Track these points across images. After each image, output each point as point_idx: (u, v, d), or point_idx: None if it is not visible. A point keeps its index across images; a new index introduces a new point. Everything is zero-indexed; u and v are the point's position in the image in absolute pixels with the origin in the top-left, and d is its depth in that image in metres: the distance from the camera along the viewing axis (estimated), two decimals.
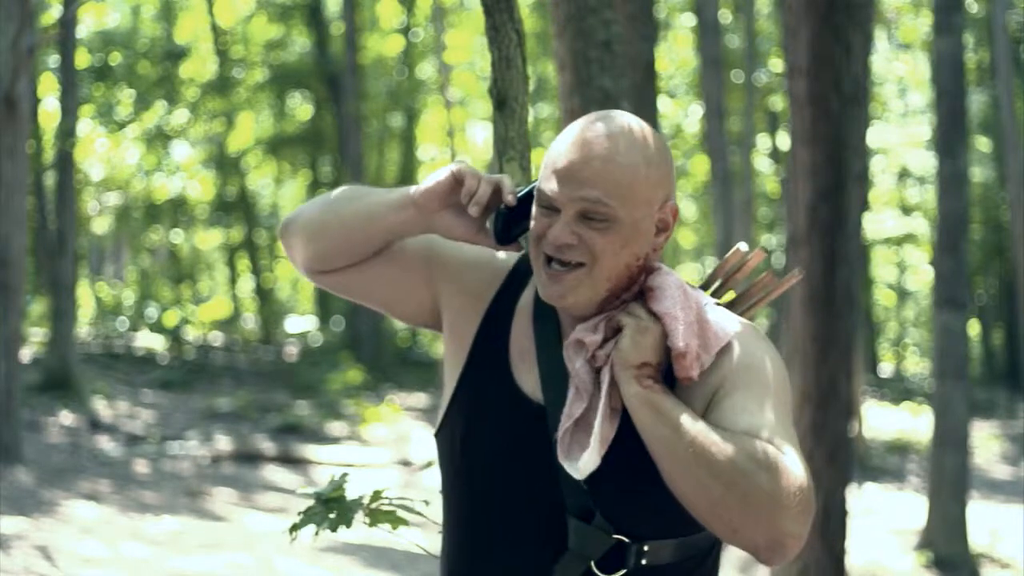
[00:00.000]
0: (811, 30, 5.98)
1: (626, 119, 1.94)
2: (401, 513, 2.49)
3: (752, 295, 2.13)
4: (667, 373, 1.91)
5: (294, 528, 2.42)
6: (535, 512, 1.94)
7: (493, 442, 1.98)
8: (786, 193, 6.47)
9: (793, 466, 1.78)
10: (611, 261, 1.90)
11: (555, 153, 1.93)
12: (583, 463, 1.87)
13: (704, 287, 2.13)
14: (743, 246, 2.15)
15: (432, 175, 2.02)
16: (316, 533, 2.45)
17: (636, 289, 1.96)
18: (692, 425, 1.81)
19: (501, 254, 2.11)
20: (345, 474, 2.49)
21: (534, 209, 1.95)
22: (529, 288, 2.06)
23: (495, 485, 1.97)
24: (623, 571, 1.90)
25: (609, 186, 1.88)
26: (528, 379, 1.99)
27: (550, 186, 1.91)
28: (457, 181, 2.00)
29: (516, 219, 2.00)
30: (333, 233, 2.07)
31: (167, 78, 23.12)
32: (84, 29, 20.16)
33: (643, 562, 1.90)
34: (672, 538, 1.93)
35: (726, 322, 1.95)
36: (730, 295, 2.14)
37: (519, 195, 2.00)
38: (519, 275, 2.08)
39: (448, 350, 2.09)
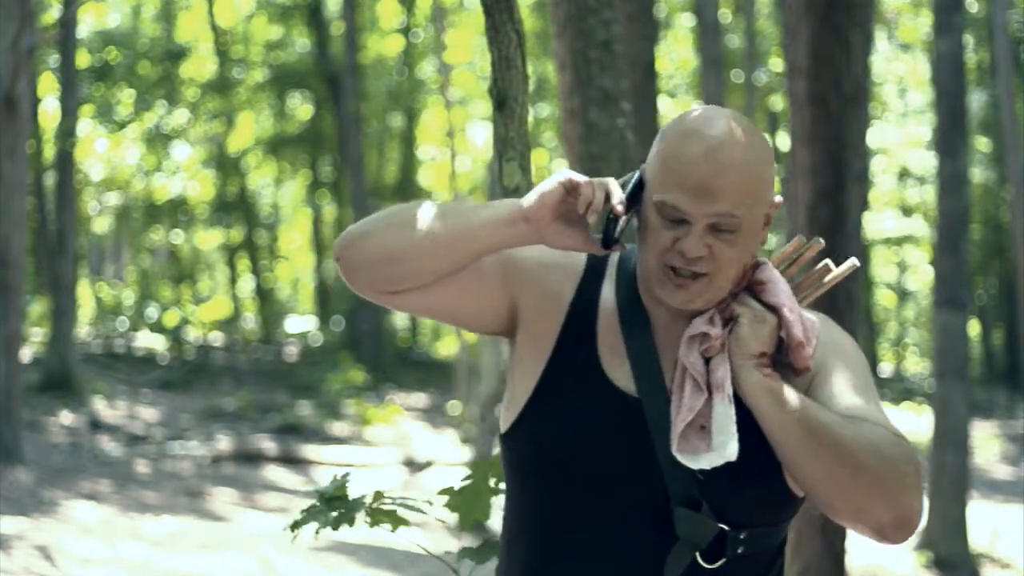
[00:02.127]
0: (811, 30, 5.98)
1: (735, 120, 1.94)
2: (402, 513, 2.48)
3: (807, 285, 2.15)
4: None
5: (295, 525, 2.41)
6: (633, 505, 1.95)
7: (585, 437, 1.97)
8: (786, 193, 6.48)
9: (906, 444, 1.86)
10: (736, 267, 1.94)
11: (678, 163, 1.91)
12: (729, 451, 1.89)
13: None
14: (801, 237, 2.16)
15: (539, 187, 1.97)
16: (317, 532, 2.45)
17: (745, 283, 1.99)
18: (815, 411, 1.87)
19: (568, 253, 2.09)
20: (347, 474, 2.49)
21: (653, 218, 1.93)
22: (608, 282, 2.06)
23: (588, 479, 1.96)
24: (723, 560, 1.93)
25: (740, 197, 1.89)
26: (619, 373, 1.99)
27: (680, 200, 1.89)
28: (568, 191, 1.95)
29: (616, 220, 1.98)
30: (421, 254, 1.97)
31: (167, 78, 23.13)
32: (84, 29, 20.17)
33: (740, 550, 1.94)
34: (766, 526, 1.97)
35: (808, 313, 2.02)
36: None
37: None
38: (594, 271, 2.08)
39: (523, 352, 2.05)
